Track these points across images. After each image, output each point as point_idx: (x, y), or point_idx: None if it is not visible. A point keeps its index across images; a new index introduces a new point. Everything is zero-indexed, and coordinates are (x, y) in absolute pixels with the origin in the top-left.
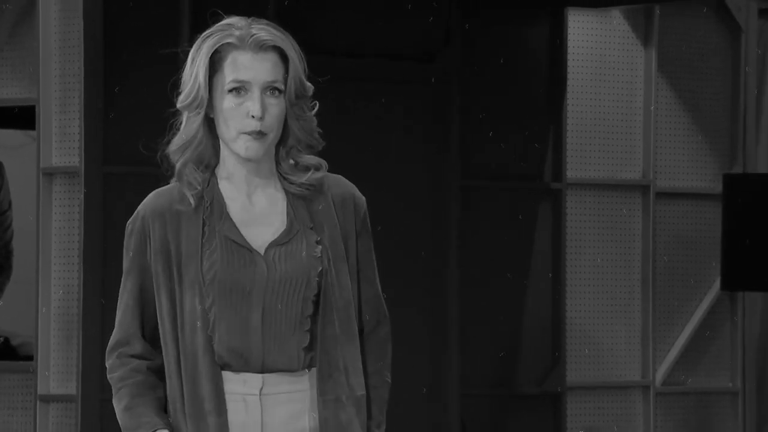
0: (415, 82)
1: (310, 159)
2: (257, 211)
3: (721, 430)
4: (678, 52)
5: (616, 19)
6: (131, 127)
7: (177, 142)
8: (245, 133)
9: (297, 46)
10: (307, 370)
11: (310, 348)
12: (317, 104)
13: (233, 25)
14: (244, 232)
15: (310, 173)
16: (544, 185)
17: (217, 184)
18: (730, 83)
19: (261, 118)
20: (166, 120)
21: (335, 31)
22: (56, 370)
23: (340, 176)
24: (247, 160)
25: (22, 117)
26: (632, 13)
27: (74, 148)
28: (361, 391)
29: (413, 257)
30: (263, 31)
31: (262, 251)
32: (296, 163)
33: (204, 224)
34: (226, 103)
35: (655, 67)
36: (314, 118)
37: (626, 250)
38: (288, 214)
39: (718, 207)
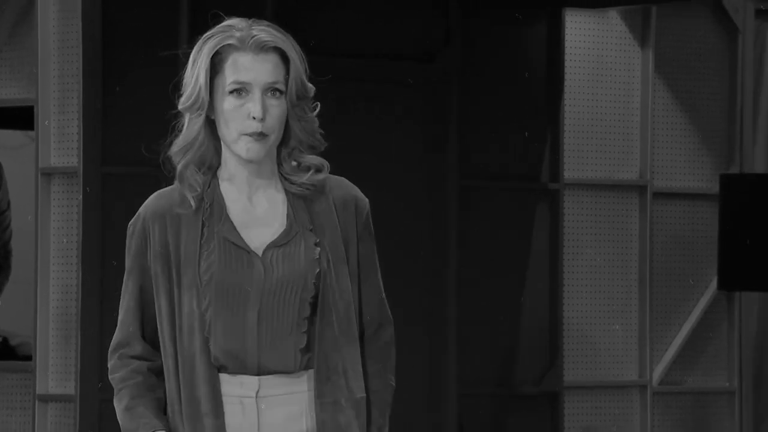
0: (415, 83)
1: (312, 159)
2: (257, 212)
3: (718, 430)
4: (675, 52)
5: (613, 19)
6: (130, 127)
7: (179, 144)
8: (246, 134)
9: (298, 48)
10: (304, 372)
11: (307, 350)
12: (319, 105)
13: (234, 26)
14: (243, 233)
15: (310, 173)
16: (541, 185)
17: (219, 185)
18: (727, 84)
19: (262, 119)
20: (164, 121)
21: (334, 31)
22: (55, 370)
23: (342, 178)
24: (248, 161)
25: (21, 117)
26: (629, 13)
27: (73, 149)
28: (360, 394)
29: (412, 257)
30: (264, 32)
31: (260, 252)
32: (298, 164)
33: (203, 226)
34: (227, 104)
35: (652, 67)
36: (316, 119)
37: (623, 250)
38: (288, 215)
39: (715, 207)
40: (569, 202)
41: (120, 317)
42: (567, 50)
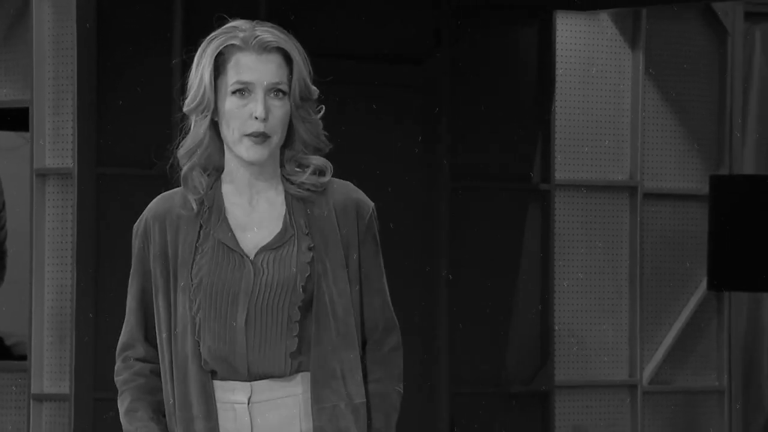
0: (405, 84)
1: (315, 160)
2: (256, 214)
3: (707, 429)
4: (665, 55)
5: (604, 22)
6: (124, 128)
7: (185, 146)
8: (248, 135)
9: (302, 49)
10: (297, 375)
11: (298, 353)
12: (323, 108)
13: (238, 27)
14: (239, 236)
15: (308, 172)
16: (533, 186)
17: (221, 187)
18: (717, 86)
19: (264, 120)
20: (159, 122)
21: (325, 33)
22: (49, 370)
23: (346, 182)
24: (250, 163)
25: (16, 118)
26: (620, 16)
27: (67, 150)
28: (360, 399)
29: (404, 257)
30: (267, 32)
31: (252, 255)
32: (299, 165)
33: (201, 228)
34: (229, 104)
35: (642, 69)
36: (320, 122)
37: (614, 250)
38: (285, 218)
39: (704, 208)
40: (560, 202)
41: (125, 318)
42: (558, 52)
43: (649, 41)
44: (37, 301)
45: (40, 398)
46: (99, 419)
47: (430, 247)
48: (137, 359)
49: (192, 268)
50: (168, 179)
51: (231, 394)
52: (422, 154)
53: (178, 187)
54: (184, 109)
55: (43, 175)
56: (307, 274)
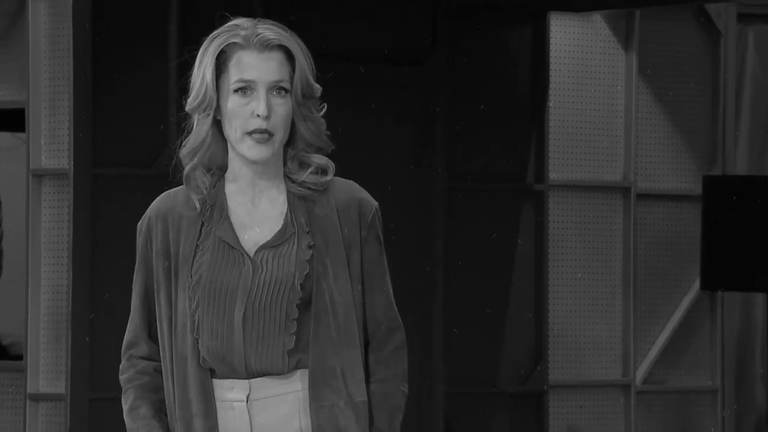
0: (400, 85)
1: (317, 159)
2: (258, 213)
3: (700, 428)
4: (658, 56)
5: (597, 23)
6: (120, 129)
7: (188, 146)
8: (251, 133)
9: (304, 46)
10: (295, 371)
11: (296, 351)
12: (326, 106)
13: (239, 25)
14: (240, 234)
15: (309, 171)
16: (527, 186)
17: (224, 186)
18: (710, 87)
19: (267, 117)
20: (154, 122)
21: (321, 34)
22: (45, 370)
23: (349, 181)
24: (253, 162)
25: (12, 119)
26: (613, 17)
27: (63, 150)
28: (360, 398)
29: (399, 257)
30: (269, 30)
31: (252, 253)
32: (301, 163)
33: (202, 226)
34: (231, 103)
35: (636, 70)
36: (323, 120)
37: (608, 250)
38: (286, 216)
39: (697, 208)
40: (554, 203)
41: (130, 317)
42: (552, 53)
43: (643, 42)
44: (33, 301)
45: (37, 398)
46: (95, 419)
47: (425, 247)
48: (141, 357)
49: (192, 265)
50: (164, 179)
51: (230, 392)
52: (417, 155)
53: (177, 186)
54: (187, 108)
55: (39, 175)
56: (305, 272)
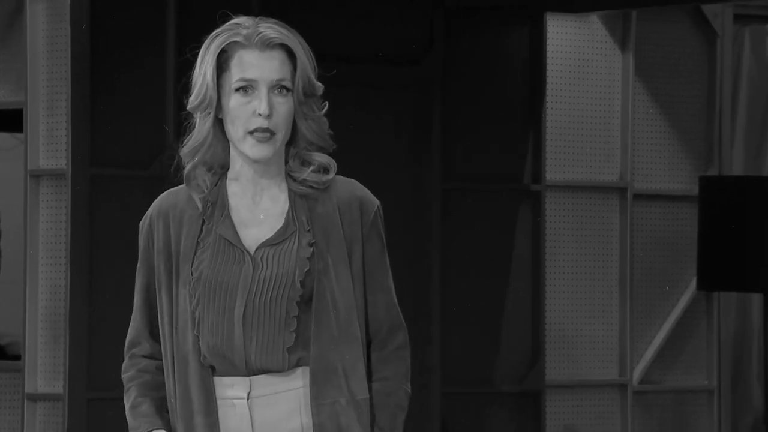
0: (398, 85)
1: (319, 157)
2: (259, 211)
3: (696, 428)
4: (655, 56)
5: (594, 24)
6: (118, 129)
7: (189, 145)
8: (252, 132)
9: (306, 45)
10: (296, 368)
11: (296, 348)
12: (327, 104)
13: (241, 24)
14: (241, 232)
15: (310, 169)
16: (524, 187)
17: (225, 185)
18: (706, 87)
19: (268, 116)
20: (151, 122)
21: (317, 34)
22: (43, 369)
23: (351, 180)
24: (255, 161)
25: (10, 120)
26: (610, 18)
27: (61, 151)
28: (362, 395)
29: (395, 258)
30: (270, 29)
31: (252, 251)
32: (303, 161)
33: (203, 223)
34: (233, 102)
35: (632, 71)
36: (325, 119)
37: (604, 250)
38: (287, 215)
39: (694, 209)
40: (551, 203)
41: (132, 315)
42: (549, 54)
43: (639, 43)
44: (31, 301)
45: (34, 398)
46: (93, 419)
47: (421, 248)
48: (143, 356)
49: (193, 262)
50: (162, 180)
51: (230, 390)
52: (414, 155)
53: (175, 186)
54: (188, 107)
55: (37, 175)
56: (305, 269)
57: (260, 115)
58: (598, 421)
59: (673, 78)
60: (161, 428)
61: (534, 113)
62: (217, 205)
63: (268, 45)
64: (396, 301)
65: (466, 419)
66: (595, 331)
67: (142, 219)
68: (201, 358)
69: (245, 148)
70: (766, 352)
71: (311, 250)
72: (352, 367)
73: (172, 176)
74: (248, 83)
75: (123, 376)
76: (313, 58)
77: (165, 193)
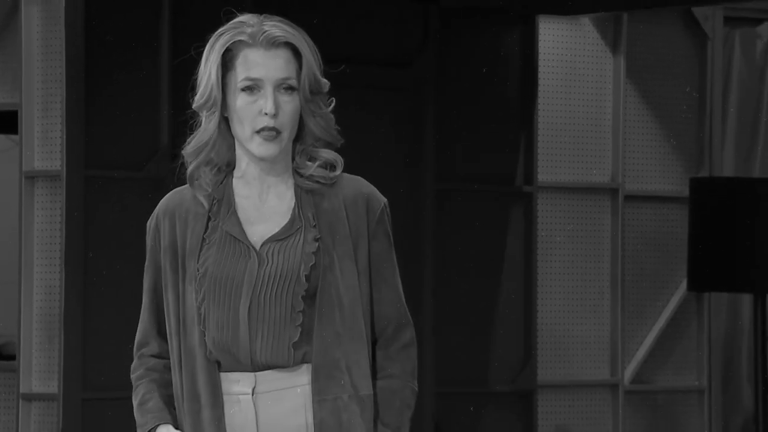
0: (390, 87)
1: (326, 154)
2: (265, 208)
3: (687, 427)
4: (646, 59)
5: (585, 26)
6: (112, 131)
7: (193, 144)
8: (259, 131)
9: (311, 42)
10: (302, 365)
11: (301, 343)
12: (334, 100)
13: (245, 22)
14: (247, 229)
15: (316, 164)
16: (516, 188)
17: (231, 182)
18: (697, 89)
19: (274, 115)
20: (147, 123)
21: (311, 36)
22: (38, 370)
23: (358, 177)
24: (261, 159)
25: (4, 121)
26: (601, 21)
27: (56, 152)
28: (366, 391)
29: None
30: (275, 27)
31: (258, 246)
32: (309, 158)
33: (209, 220)
34: (239, 101)
35: (623, 73)
36: (331, 115)
37: (596, 251)
38: (293, 210)
39: (685, 210)
40: (543, 204)
41: (140, 315)
42: (540, 56)
43: (630, 45)
44: (26, 302)
45: (29, 398)
46: (87, 419)
47: (414, 249)
48: (152, 356)
49: (199, 258)
50: (156, 182)
51: (236, 386)
52: (407, 156)
53: (174, 187)
54: (193, 106)
55: (31, 177)
56: (311, 264)
57: (266, 114)
58: (590, 421)
59: (664, 80)
60: (168, 423)
61: (526, 115)
62: (223, 202)
63: (273, 43)
64: (403, 298)
65: (459, 419)
66: (586, 331)
67: (149, 219)
68: (207, 353)
69: (252, 147)
70: (756, 352)
71: (317, 245)
72: (355, 363)
73: (176, 175)
74: (253, 82)
75: (132, 375)
76: (319, 55)
77: (171, 192)
